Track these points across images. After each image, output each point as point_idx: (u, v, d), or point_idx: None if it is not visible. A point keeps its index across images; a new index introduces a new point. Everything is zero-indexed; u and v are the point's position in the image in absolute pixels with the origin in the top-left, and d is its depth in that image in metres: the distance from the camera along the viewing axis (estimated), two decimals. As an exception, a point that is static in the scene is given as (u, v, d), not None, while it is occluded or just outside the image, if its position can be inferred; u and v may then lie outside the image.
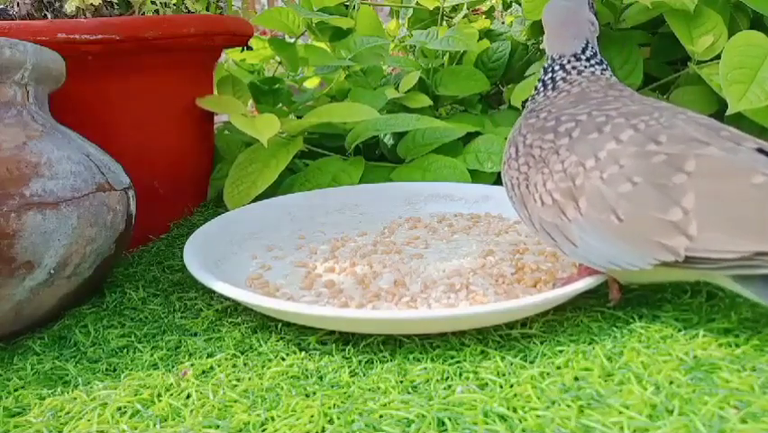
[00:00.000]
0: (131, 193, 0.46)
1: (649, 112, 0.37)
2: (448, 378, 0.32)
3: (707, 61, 0.58)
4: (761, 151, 0.33)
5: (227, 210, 0.59)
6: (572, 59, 0.44)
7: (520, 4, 0.83)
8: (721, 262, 0.31)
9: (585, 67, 0.44)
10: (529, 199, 0.39)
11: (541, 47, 0.82)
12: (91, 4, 0.53)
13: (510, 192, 0.42)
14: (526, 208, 0.40)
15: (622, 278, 0.38)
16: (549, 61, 0.46)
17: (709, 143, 0.33)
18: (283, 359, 0.35)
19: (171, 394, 0.32)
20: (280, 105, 0.83)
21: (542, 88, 0.45)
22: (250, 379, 0.33)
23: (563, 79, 0.44)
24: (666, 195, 0.32)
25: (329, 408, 0.30)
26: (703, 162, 0.32)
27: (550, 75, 0.45)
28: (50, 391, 0.34)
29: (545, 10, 0.47)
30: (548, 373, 0.32)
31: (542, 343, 0.35)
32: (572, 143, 0.37)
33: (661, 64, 0.70)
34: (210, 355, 0.36)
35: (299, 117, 0.68)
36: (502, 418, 0.29)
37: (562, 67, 0.44)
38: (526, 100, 0.69)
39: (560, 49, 0.45)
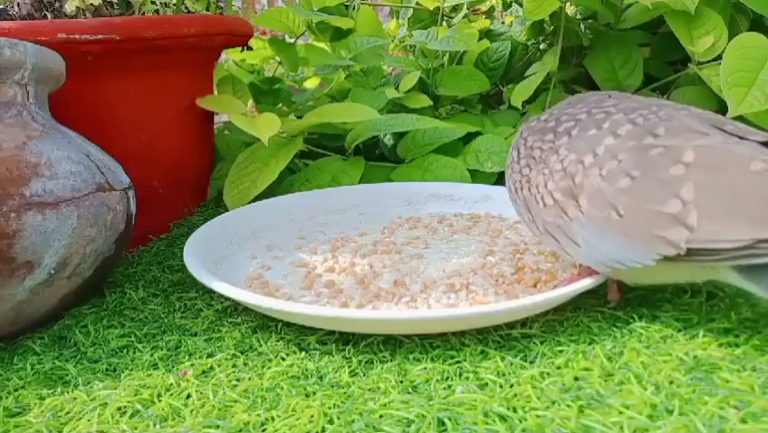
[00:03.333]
0: (131, 193, 0.46)
1: (648, 106, 0.37)
2: (448, 378, 0.32)
3: (707, 62, 0.58)
4: (766, 144, 0.33)
5: (227, 210, 0.59)
6: None
7: (520, 4, 0.83)
8: (723, 252, 0.31)
9: None
10: (532, 202, 0.39)
11: (541, 47, 0.82)
12: (91, 4, 0.53)
13: (514, 196, 0.42)
14: (530, 212, 0.39)
15: (628, 279, 0.38)
16: None
17: (708, 134, 0.33)
18: (283, 359, 0.35)
19: (171, 394, 0.32)
20: (280, 105, 0.83)
21: None
22: (250, 379, 0.33)
23: None
24: (665, 187, 0.32)
25: (329, 408, 0.30)
26: (702, 153, 0.32)
27: None
28: (50, 391, 0.34)
29: None
30: (548, 373, 0.32)
31: (542, 343, 0.35)
32: (571, 142, 0.37)
33: (661, 64, 0.70)
34: (210, 355, 0.36)
35: (299, 117, 0.68)
36: (502, 418, 0.29)
37: None
38: (526, 100, 0.69)
39: None
